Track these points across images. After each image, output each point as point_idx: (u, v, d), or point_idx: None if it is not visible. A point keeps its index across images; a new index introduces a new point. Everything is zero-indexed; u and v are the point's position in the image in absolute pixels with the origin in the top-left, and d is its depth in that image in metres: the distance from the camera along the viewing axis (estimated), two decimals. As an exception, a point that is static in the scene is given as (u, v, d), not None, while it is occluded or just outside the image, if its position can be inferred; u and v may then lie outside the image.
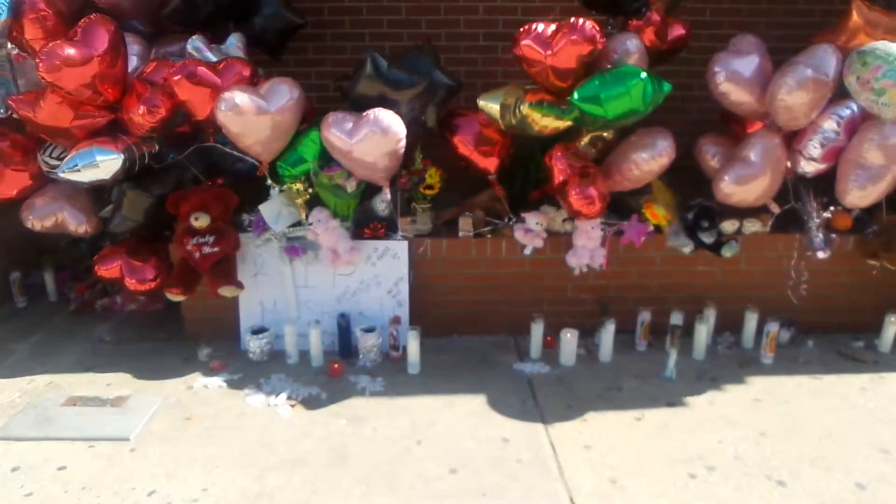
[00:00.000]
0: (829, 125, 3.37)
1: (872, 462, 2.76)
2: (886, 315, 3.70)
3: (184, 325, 3.83)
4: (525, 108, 3.26)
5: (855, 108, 3.37)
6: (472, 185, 3.89)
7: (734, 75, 3.40)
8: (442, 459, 2.76)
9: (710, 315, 3.72)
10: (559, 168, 3.38)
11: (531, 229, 3.61)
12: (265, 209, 3.51)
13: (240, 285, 3.51)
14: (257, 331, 3.60)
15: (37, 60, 2.96)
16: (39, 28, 3.15)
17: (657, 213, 3.61)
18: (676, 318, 3.66)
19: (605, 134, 3.72)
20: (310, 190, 3.50)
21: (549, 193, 3.70)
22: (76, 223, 3.50)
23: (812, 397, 3.27)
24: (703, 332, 3.59)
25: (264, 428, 2.99)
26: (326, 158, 3.47)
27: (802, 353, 3.68)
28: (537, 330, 3.62)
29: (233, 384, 3.36)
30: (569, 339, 3.53)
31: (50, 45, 2.97)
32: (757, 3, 4.77)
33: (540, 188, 3.76)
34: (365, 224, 3.64)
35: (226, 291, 3.45)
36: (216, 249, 3.42)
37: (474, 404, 3.19)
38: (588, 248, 3.63)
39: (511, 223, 3.72)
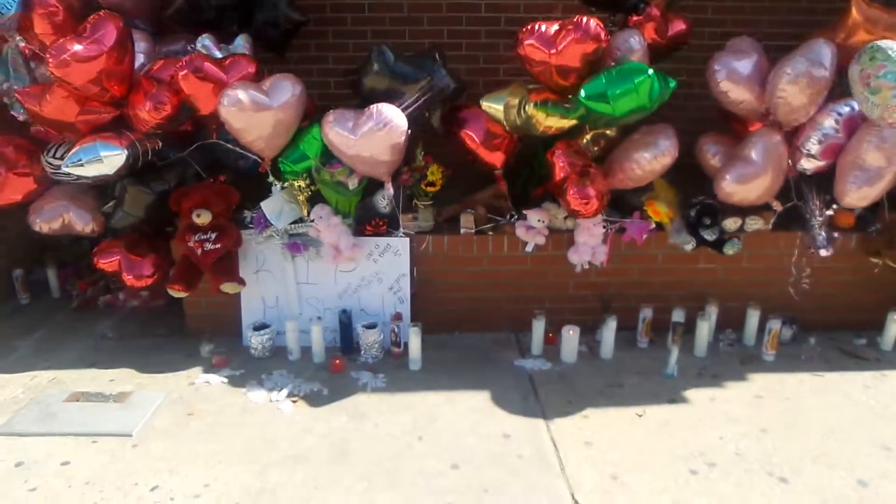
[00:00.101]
0: (828, 122, 3.37)
1: (874, 459, 2.76)
2: (889, 313, 3.69)
3: (186, 321, 3.84)
4: (530, 109, 3.25)
5: (855, 106, 3.36)
6: (474, 182, 3.89)
7: (734, 74, 3.40)
8: (443, 455, 2.77)
9: (712, 312, 3.72)
10: (560, 165, 3.38)
11: (533, 226, 3.61)
12: (267, 206, 3.51)
13: (241, 282, 3.52)
14: (259, 327, 3.61)
15: (46, 56, 2.97)
16: (49, 23, 3.15)
17: (659, 211, 3.61)
18: (678, 316, 3.67)
19: (607, 132, 3.72)
20: (311, 187, 3.50)
21: (550, 191, 3.70)
22: (83, 223, 3.51)
23: (814, 394, 3.26)
24: (704, 330, 3.59)
25: (266, 424, 3.00)
26: (328, 155, 3.47)
27: (804, 350, 3.68)
28: (539, 327, 3.62)
29: (235, 380, 3.37)
30: (570, 335, 3.53)
31: (59, 40, 2.98)
32: (760, 0, 4.75)
33: (542, 185, 3.76)
34: (366, 221, 3.64)
35: (228, 288, 3.45)
36: (218, 246, 3.42)
37: (476, 401, 3.19)
38: (590, 245, 3.63)
39: (513, 220, 3.72)
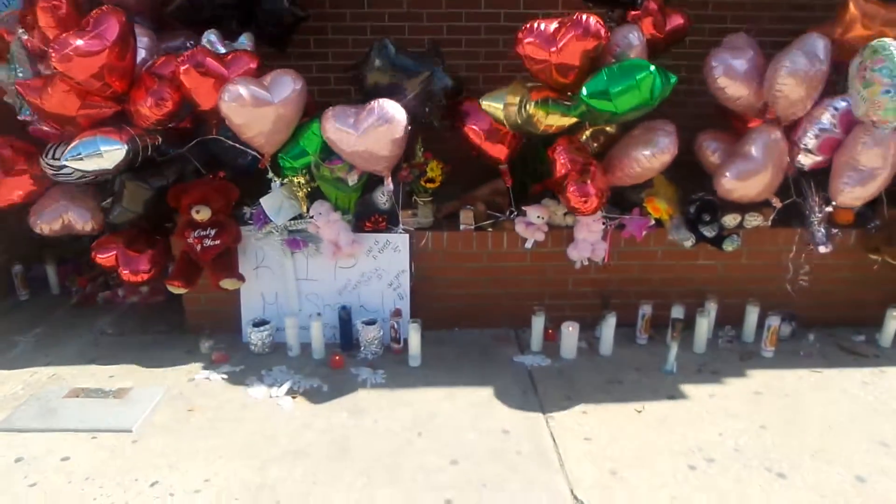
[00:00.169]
0: (825, 117, 3.37)
1: (873, 455, 2.76)
2: (888, 309, 3.69)
3: (185, 317, 3.84)
4: (531, 108, 3.23)
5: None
6: (474, 179, 3.89)
7: (730, 70, 3.41)
8: (443, 451, 2.78)
9: (711, 309, 3.73)
10: (561, 162, 3.37)
11: (532, 223, 3.61)
12: (266, 202, 3.51)
13: (241, 278, 3.52)
14: (259, 323, 3.61)
15: (49, 50, 2.97)
16: (52, 17, 3.14)
17: (659, 207, 3.61)
18: (677, 312, 3.67)
19: (607, 128, 3.72)
20: (311, 183, 3.50)
21: (550, 187, 3.70)
22: (82, 222, 3.51)
23: (813, 391, 3.27)
24: (703, 326, 3.60)
25: (266, 420, 3.00)
26: (328, 151, 3.47)
27: (803, 346, 3.69)
28: (538, 323, 3.62)
29: (234, 376, 3.37)
30: (570, 332, 3.53)
31: (62, 35, 2.98)
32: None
33: (541, 181, 3.76)
34: (366, 217, 3.65)
35: (227, 284, 3.46)
36: (217, 242, 3.42)
37: (475, 396, 3.19)
38: (589, 241, 3.63)
39: (512, 216, 3.72)
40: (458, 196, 3.87)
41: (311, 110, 3.58)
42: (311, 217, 3.53)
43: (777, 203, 3.60)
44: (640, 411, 3.08)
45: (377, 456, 2.74)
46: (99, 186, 3.57)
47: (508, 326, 3.89)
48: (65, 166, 3.32)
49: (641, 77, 3.05)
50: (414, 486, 2.57)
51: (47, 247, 4.46)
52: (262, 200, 3.52)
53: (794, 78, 3.24)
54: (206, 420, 3.01)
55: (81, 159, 3.12)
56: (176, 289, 3.46)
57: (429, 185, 3.65)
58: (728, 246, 3.63)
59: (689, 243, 3.64)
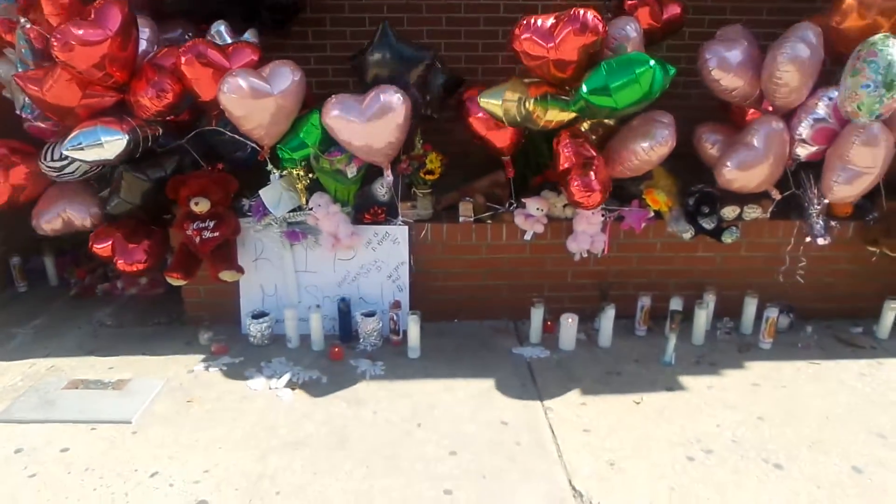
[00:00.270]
0: (820, 106, 3.37)
1: (870, 446, 2.78)
2: (885, 301, 3.70)
3: (184, 309, 3.84)
4: (530, 105, 3.22)
5: None
6: (473, 170, 3.89)
7: (724, 62, 3.41)
8: (442, 442, 2.78)
9: (710, 300, 3.73)
10: (565, 155, 3.34)
11: (532, 214, 3.61)
12: (265, 194, 3.51)
13: (240, 270, 3.52)
14: (258, 315, 3.62)
15: (51, 39, 2.95)
16: (55, 4, 3.12)
17: (658, 199, 3.61)
18: (676, 304, 3.68)
19: (605, 120, 3.71)
20: (310, 175, 3.49)
21: (549, 179, 3.70)
22: (81, 217, 3.51)
23: (810, 382, 3.28)
24: (702, 318, 3.61)
25: (265, 411, 3.01)
26: (327, 143, 3.46)
27: (801, 338, 3.69)
28: (537, 315, 3.63)
29: (234, 368, 3.38)
30: (569, 323, 3.54)
31: (64, 24, 2.97)
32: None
33: (541, 173, 3.75)
34: (365, 209, 3.64)
35: (226, 276, 3.45)
36: (216, 234, 3.42)
37: (474, 388, 3.20)
38: (589, 233, 3.63)
39: (512, 208, 3.72)
40: (458, 188, 3.87)
41: (310, 102, 3.57)
42: (311, 209, 3.53)
43: (776, 195, 3.61)
44: (638, 403, 3.09)
45: (376, 447, 2.75)
46: (97, 179, 3.56)
47: (507, 318, 3.90)
48: (66, 166, 3.32)
49: (641, 71, 3.02)
50: (413, 476, 2.58)
51: (45, 238, 4.44)
52: (261, 192, 3.51)
53: (793, 64, 3.24)
54: (206, 411, 3.01)
55: (82, 149, 3.11)
56: (175, 280, 3.46)
57: (428, 177, 3.64)
58: (727, 238, 3.64)
59: (688, 235, 3.64)
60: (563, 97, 3.22)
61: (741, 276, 3.85)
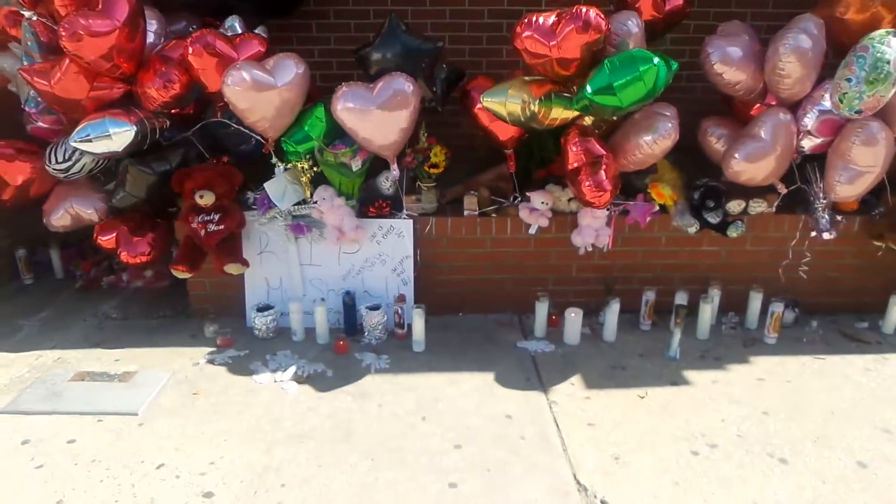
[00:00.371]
0: (826, 98, 3.35)
1: (874, 441, 2.77)
2: (891, 296, 3.69)
3: (190, 302, 3.85)
4: (534, 106, 3.20)
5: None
6: (478, 164, 3.88)
7: (727, 56, 3.39)
8: (446, 435, 2.79)
9: (715, 295, 3.73)
10: (574, 154, 3.30)
11: (536, 208, 3.61)
12: (270, 187, 3.51)
13: (245, 263, 3.52)
14: (263, 308, 3.62)
15: (59, 29, 2.95)
16: None
17: (663, 193, 3.60)
18: (681, 298, 3.67)
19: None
20: (315, 168, 3.49)
21: (554, 173, 3.69)
22: (88, 211, 3.51)
23: (815, 377, 3.28)
24: (707, 312, 3.60)
25: (271, 403, 3.02)
26: (332, 136, 3.46)
27: (806, 333, 3.69)
28: (542, 309, 3.63)
29: (239, 360, 3.39)
30: (573, 317, 3.54)
31: (72, 14, 2.97)
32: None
33: (545, 167, 3.74)
34: (370, 202, 3.64)
35: (231, 269, 3.46)
36: (221, 227, 3.42)
37: (479, 381, 3.21)
38: (593, 227, 3.62)
39: (516, 202, 3.71)
40: (462, 181, 3.86)
41: (315, 95, 3.57)
42: (315, 202, 3.53)
43: (782, 189, 3.59)
44: (643, 397, 3.09)
45: (381, 440, 2.76)
46: (103, 172, 3.56)
47: (512, 312, 3.90)
48: (71, 166, 3.32)
49: (644, 69, 2.98)
50: (418, 469, 2.59)
51: (51, 231, 4.46)
52: (265, 185, 3.51)
53: (795, 55, 3.22)
54: (211, 404, 3.02)
55: (90, 141, 3.11)
56: (180, 273, 3.47)
57: (432, 171, 3.64)
58: (732, 232, 3.63)
59: (693, 229, 3.63)
60: (566, 95, 3.20)
61: (746, 271, 3.84)
